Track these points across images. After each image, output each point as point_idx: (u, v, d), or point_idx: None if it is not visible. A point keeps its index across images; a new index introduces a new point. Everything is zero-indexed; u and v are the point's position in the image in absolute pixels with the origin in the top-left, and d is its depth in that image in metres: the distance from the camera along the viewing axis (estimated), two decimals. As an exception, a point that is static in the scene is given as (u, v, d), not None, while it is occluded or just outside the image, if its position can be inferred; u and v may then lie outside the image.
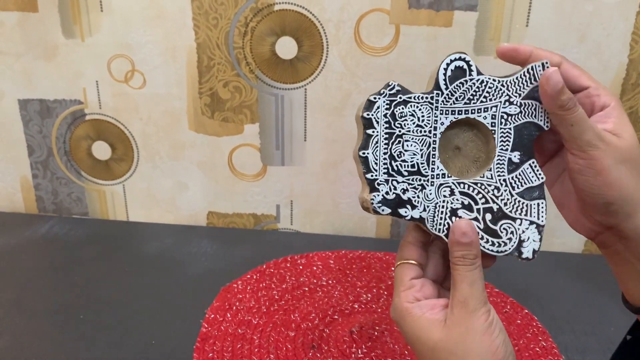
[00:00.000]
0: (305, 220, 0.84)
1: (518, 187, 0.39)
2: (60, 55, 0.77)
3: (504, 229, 0.38)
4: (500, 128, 0.38)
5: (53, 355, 0.54)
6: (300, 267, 0.70)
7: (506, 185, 0.39)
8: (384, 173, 0.37)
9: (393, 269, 0.40)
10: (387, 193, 0.37)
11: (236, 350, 0.55)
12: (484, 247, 0.38)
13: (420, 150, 0.37)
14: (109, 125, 0.81)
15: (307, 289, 0.66)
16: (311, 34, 0.73)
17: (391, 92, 0.37)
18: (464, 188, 0.38)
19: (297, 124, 0.78)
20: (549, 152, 0.42)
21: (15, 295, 0.63)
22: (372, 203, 0.37)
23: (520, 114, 0.38)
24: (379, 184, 0.37)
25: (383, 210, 0.37)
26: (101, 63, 0.77)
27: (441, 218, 0.38)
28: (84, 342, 0.56)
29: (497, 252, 0.38)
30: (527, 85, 0.38)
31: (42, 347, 0.55)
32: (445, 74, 0.37)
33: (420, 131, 0.37)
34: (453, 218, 0.38)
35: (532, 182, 0.39)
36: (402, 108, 0.37)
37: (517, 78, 0.38)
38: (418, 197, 0.37)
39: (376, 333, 0.57)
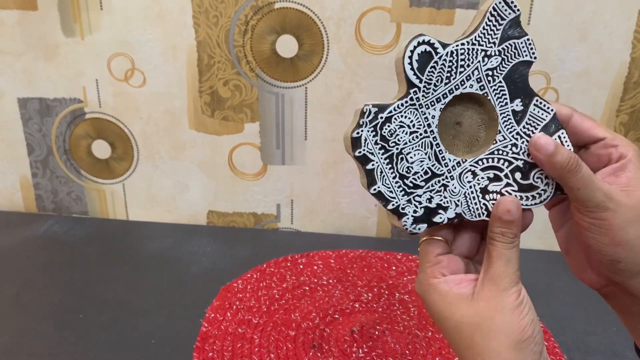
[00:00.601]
0: (305, 219, 0.84)
1: (533, 132, 0.37)
2: (60, 54, 0.77)
3: (537, 178, 0.37)
4: (491, 87, 0.36)
5: (52, 355, 0.54)
6: (301, 267, 0.70)
7: (521, 137, 0.37)
8: (403, 196, 0.36)
9: (416, 251, 0.39)
10: (414, 212, 0.36)
11: (236, 349, 0.54)
12: (527, 204, 0.37)
13: (426, 153, 0.36)
14: (109, 124, 0.81)
15: (307, 288, 0.65)
16: (312, 32, 0.72)
17: (369, 117, 0.35)
18: (483, 164, 0.37)
19: (298, 122, 0.77)
20: (558, 196, 0.41)
21: (14, 295, 0.63)
22: (407, 228, 0.36)
23: (503, 62, 0.36)
24: (403, 209, 0.36)
25: (420, 228, 0.36)
26: (101, 62, 0.77)
27: (476, 203, 0.37)
28: (84, 341, 0.56)
29: (541, 201, 0.37)
30: (497, 29, 0.36)
31: (41, 346, 0.55)
32: (412, 68, 0.35)
33: (416, 137, 0.35)
34: (487, 196, 0.37)
35: (545, 119, 0.37)
36: (388, 125, 0.35)
37: (484, 28, 0.35)
38: (445, 197, 0.36)
39: (377, 332, 0.57)
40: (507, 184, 0.37)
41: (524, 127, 0.37)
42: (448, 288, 0.35)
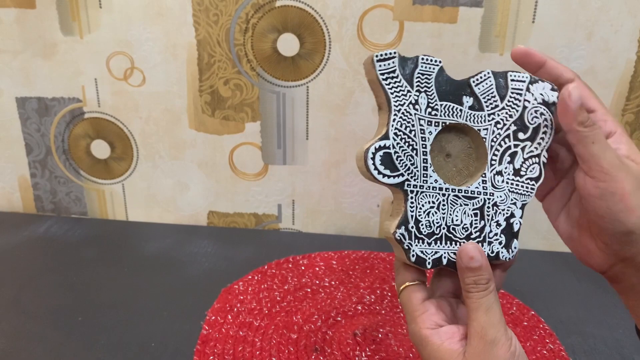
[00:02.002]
0: (307, 220, 0.83)
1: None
2: (59, 53, 0.76)
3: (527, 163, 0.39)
4: (440, 114, 0.38)
5: (51, 358, 0.53)
6: (302, 268, 0.69)
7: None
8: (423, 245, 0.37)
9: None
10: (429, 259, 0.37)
11: (237, 353, 0.53)
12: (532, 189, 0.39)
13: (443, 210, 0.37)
14: (108, 124, 0.80)
15: (309, 290, 0.65)
16: (313, 31, 0.71)
17: (407, 234, 0.36)
18: (488, 195, 0.38)
19: (299, 122, 0.77)
20: (549, 184, 0.40)
21: (12, 297, 0.62)
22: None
23: (425, 95, 0.37)
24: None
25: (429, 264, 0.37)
26: (100, 60, 0.76)
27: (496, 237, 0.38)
28: (83, 344, 0.55)
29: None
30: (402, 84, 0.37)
31: (40, 349, 0.54)
32: (382, 173, 0.36)
33: (436, 206, 0.37)
34: (511, 221, 0.38)
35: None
36: (419, 224, 0.37)
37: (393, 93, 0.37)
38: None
39: (380, 335, 0.56)
40: (513, 182, 0.38)
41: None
42: (440, 342, 0.34)
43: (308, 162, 0.79)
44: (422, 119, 0.36)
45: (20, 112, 0.80)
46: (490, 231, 0.38)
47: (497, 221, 0.38)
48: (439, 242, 0.37)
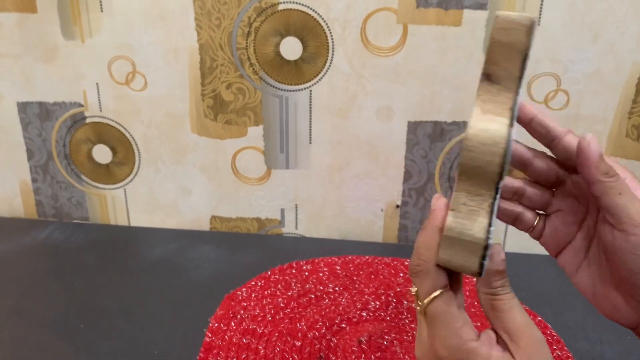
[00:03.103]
0: (310, 224, 0.82)
1: None
2: (60, 57, 0.75)
3: None
4: None
5: (52, 366, 0.52)
6: (306, 274, 0.69)
7: None
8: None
9: (415, 296, 0.35)
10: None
11: (241, 361, 0.53)
12: None
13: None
14: (110, 128, 0.79)
15: (313, 296, 0.64)
16: (316, 34, 0.71)
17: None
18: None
19: (302, 126, 0.76)
20: (563, 238, 0.38)
21: (13, 304, 0.62)
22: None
23: None
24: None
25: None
26: (101, 65, 0.75)
27: None
28: (85, 352, 0.54)
29: None
30: None
31: (41, 358, 0.53)
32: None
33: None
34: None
35: None
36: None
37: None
38: None
39: (385, 342, 0.55)
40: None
41: None
42: (488, 352, 0.31)
43: (311, 167, 0.78)
44: None
45: (22, 116, 0.80)
46: None
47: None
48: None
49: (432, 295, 0.33)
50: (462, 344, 0.32)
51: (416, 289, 0.34)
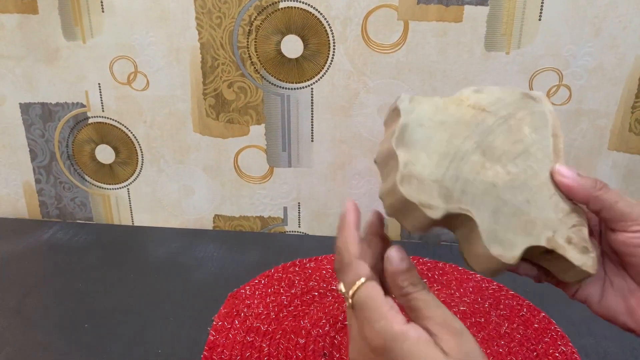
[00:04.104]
0: (313, 222, 0.82)
1: None
2: (62, 58, 0.76)
3: None
4: None
5: (57, 366, 0.52)
6: (309, 271, 0.69)
7: None
8: None
9: (340, 290, 0.35)
10: None
11: (245, 358, 0.53)
12: None
13: None
14: (112, 129, 0.79)
15: (316, 293, 0.64)
16: (317, 32, 0.71)
17: None
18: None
19: (304, 124, 0.76)
20: None
21: (18, 304, 0.62)
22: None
23: None
24: None
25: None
26: (103, 65, 0.75)
27: None
28: (89, 352, 0.54)
29: None
30: None
31: (45, 357, 0.53)
32: None
33: None
34: None
35: None
36: None
37: None
38: None
39: (389, 339, 0.55)
40: None
41: None
42: (417, 335, 0.31)
43: (313, 165, 0.78)
44: None
45: (24, 117, 0.80)
46: None
47: None
48: None
49: (357, 284, 0.34)
50: (389, 327, 0.32)
51: (342, 285, 0.35)
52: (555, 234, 0.35)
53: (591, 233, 0.37)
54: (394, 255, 0.33)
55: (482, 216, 0.35)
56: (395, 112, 0.38)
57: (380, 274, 0.35)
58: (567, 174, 0.35)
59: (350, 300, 0.34)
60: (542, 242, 0.35)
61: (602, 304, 0.37)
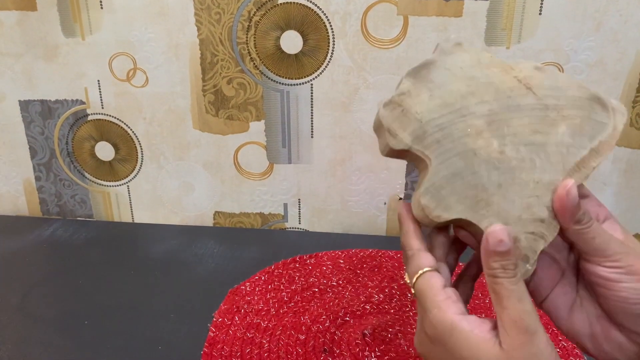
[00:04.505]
0: (313, 219, 0.82)
1: None
2: (61, 55, 0.75)
3: None
4: None
5: (57, 362, 0.52)
6: (310, 268, 0.69)
7: None
8: None
9: (406, 281, 0.36)
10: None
11: (245, 354, 0.53)
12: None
13: None
14: (112, 125, 0.79)
15: (316, 289, 0.64)
16: (316, 28, 0.70)
17: None
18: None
19: (304, 120, 0.76)
20: (547, 284, 0.37)
21: (18, 301, 0.62)
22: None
23: None
24: None
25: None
26: (102, 62, 0.75)
27: None
28: (89, 348, 0.54)
29: None
30: None
31: (46, 355, 0.53)
32: None
33: None
34: None
35: None
36: None
37: None
38: None
39: (389, 335, 0.55)
40: None
41: None
42: (470, 329, 0.31)
43: (313, 161, 0.78)
44: None
45: (24, 115, 0.80)
46: None
47: None
48: None
49: (418, 274, 0.34)
50: (442, 316, 0.32)
51: (406, 275, 0.36)
52: (509, 220, 0.34)
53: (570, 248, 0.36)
54: (492, 235, 0.32)
55: (439, 169, 0.34)
56: (435, 51, 0.37)
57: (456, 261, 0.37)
58: (571, 193, 0.33)
59: (413, 290, 0.35)
60: (480, 224, 0.34)
61: (567, 322, 0.36)
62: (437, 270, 0.34)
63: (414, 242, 0.36)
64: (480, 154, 0.34)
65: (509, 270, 0.31)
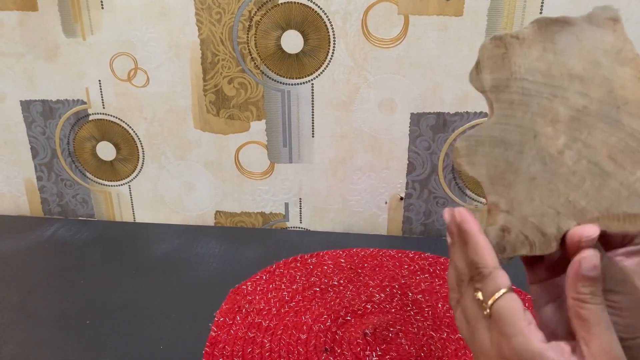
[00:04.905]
0: (314, 218, 0.82)
1: None
2: (62, 55, 0.76)
3: None
4: None
5: (59, 362, 0.53)
6: (311, 267, 0.69)
7: None
8: None
9: (479, 299, 0.34)
10: None
11: (246, 354, 0.53)
12: None
13: None
14: (113, 125, 0.79)
15: (318, 289, 0.64)
16: (317, 27, 0.70)
17: None
18: None
19: (305, 120, 0.76)
20: (539, 273, 0.36)
21: (20, 301, 0.62)
22: None
23: None
24: None
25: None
26: (103, 62, 0.75)
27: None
28: (91, 348, 0.55)
29: None
30: None
31: (48, 354, 0.54)
32: None
33: None
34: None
35: None
36: None
37: None
38: None
39: (391, 334, 0.55)
40: None
41: None
42: (557, 357, 0.29)
43: (314, 160, 0.78)
44: None
45: (25, 115, 0.80)
46: None
47: None
48: None
49: (497, 295, 0.32)
50: (527, 343, 0.30)
51: (480, 293, 0.33)
52: (506, 212, 0.33)
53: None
54: (587, 259, 0.30)
55: (493, 128, 0.33)
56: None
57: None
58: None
59: (488, 310, 0.33)
60: (488, 197, 0.33)
61: (542, 310, 0.36)
62: (513, 290, 0.32)
63: (489, 259, 0.33)
64: (540, 140, 0.32)
65: (598, 297, 0.30)
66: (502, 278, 0.32)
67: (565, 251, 0.33)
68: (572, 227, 0.32)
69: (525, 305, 0.32)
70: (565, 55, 0.31)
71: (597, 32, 0.31)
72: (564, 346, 0.31)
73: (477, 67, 0.34)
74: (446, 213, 0.36)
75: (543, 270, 0.36)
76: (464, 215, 0.34)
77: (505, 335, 0.31)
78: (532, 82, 0.32)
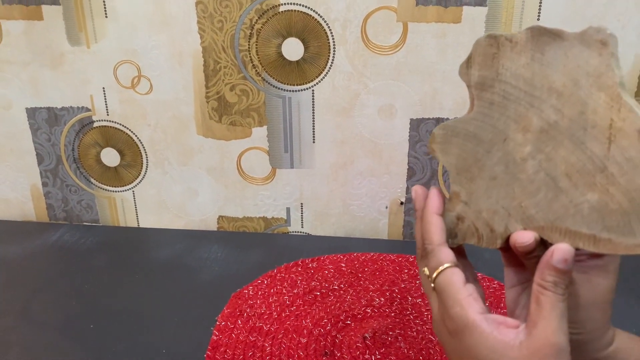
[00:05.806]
0: (315, 222, 0.83)
1: None
2: (67, 63, 0.77)
3: None
4: None
5: (64, 366, 0.54)
6: (312, 271, 0.69)
7: None
8: None
9: (425, 274, 0.36)
10: None
11: (247, 358, 0.54)
12: None
13: None
14: (117, 132, 0.81)
15: (318, 293, 0.65)
16: (317, 35, 0.71)
17: None
18: None
19: (306, 125, 0.77)
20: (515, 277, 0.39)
21: (24, 305, 0.63)
22: None
23: None
24: None
25: None
26: (107, 69, 0.77)
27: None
28: (94, 352, 0.56)
29: None
30: None
31: (52, 358, 0.55)
32: None
33: None
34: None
35: None
36: None
37: None
38: None
39: (390, 339, 0.56)
40: None
41: None
42: (490, 330, 0.31)
43: (315, 165, 0.79)
44: None
45: (31, 122, 0.81)
46: None
47: None
48: None
49: (440, 269, 0.35)
50: (464, 313, 0.32)
51: (426, 268, 0.36)
52: (464, 203, 0.36)
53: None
54: (560, 251, 0.31)
55: (470, 123, 0.35)
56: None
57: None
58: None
59: (432, 284, 0.35)
60: (452, 185, 0.37)
61: (508, 292, 0.39)
62: (457, 266, 0.35)
63: (435, 236, 0.36)
64: (509, 144, 0.33)
65: (560, 287, 0.31)
66: (445, 254, 0.35)
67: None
68: (518, 230, 0.34)
69: (469, 280, 0.34)
70: (550, 68, 0.32)
71: (585, 53, 0.31)
72: (503, 321, 0.32)
73: (469, 61, 0.36)
74: (414, 190, 0.39)
75: (515, 257, 0.37)
76: (434, 192, 0.38)
77: (446, 306, 0.34)
78: (515, 87, 0.33)
